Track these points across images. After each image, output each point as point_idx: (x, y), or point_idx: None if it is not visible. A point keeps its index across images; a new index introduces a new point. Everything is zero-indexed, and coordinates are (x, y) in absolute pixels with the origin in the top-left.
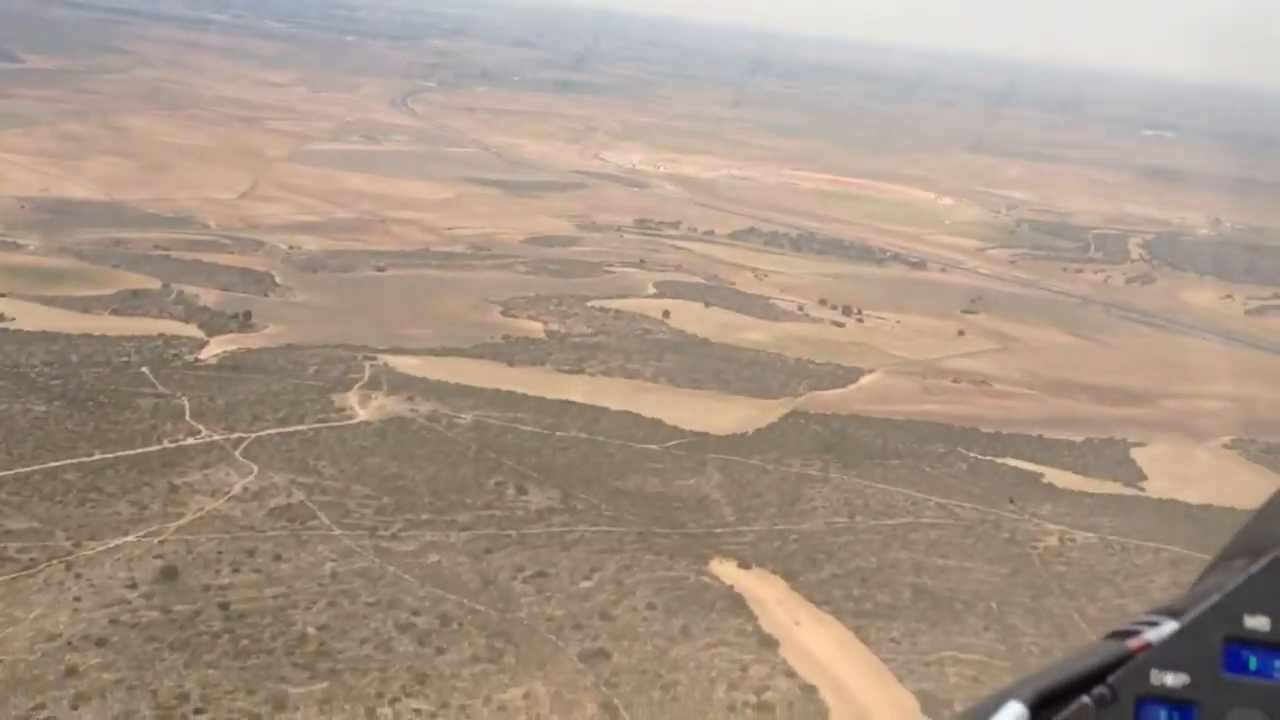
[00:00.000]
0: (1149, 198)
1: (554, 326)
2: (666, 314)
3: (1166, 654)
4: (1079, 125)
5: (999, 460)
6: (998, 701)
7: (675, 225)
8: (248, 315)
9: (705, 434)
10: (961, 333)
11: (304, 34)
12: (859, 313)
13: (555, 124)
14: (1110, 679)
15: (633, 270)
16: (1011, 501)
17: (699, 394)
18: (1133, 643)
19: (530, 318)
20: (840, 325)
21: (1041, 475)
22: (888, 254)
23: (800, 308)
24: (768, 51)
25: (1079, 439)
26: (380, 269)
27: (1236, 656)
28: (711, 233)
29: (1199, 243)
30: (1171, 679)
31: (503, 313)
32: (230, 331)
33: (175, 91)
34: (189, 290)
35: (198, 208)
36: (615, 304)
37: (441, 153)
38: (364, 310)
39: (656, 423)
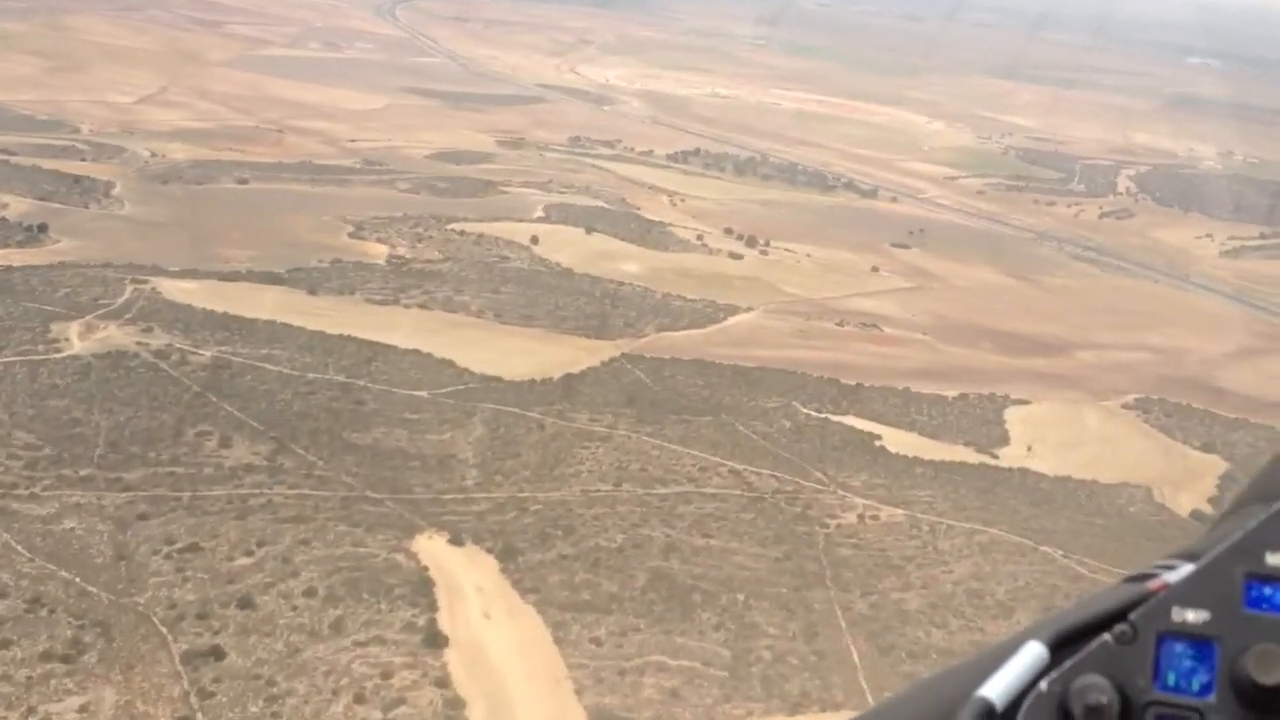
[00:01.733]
0: (1167, 128)
1: (400, 251)
2: (535, 240)
3: (1187, 591)
4: (1119, 50)
5: (835, 418)
6: (1017, 641)
7: (612, 144)
8: (43, 228)
9: (498, 379)
10: (876, 269)
11: None
12: (765, 244)
13: (547, 36)
14: (1131, 616)
15: (531, 191)
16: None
17: (522, 332)
18: (1152, 584)
19: (379, 240)
20: (738, 257)
21: (878, 437)
22: (841, 181)
23: (700, 237)
24: None
25: (953, 394)
26: (243, 181)
27: (1258, 592)
28: (650, 153)
29: (1197, 177)
30: (1192, 615)
31: (351, 234)
32: (10, 246)
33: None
34: (2, 197)
35: (83, 111)
36: (484, 228)
37: (401, 62)
38: (189, 226)
39: (446, 364)
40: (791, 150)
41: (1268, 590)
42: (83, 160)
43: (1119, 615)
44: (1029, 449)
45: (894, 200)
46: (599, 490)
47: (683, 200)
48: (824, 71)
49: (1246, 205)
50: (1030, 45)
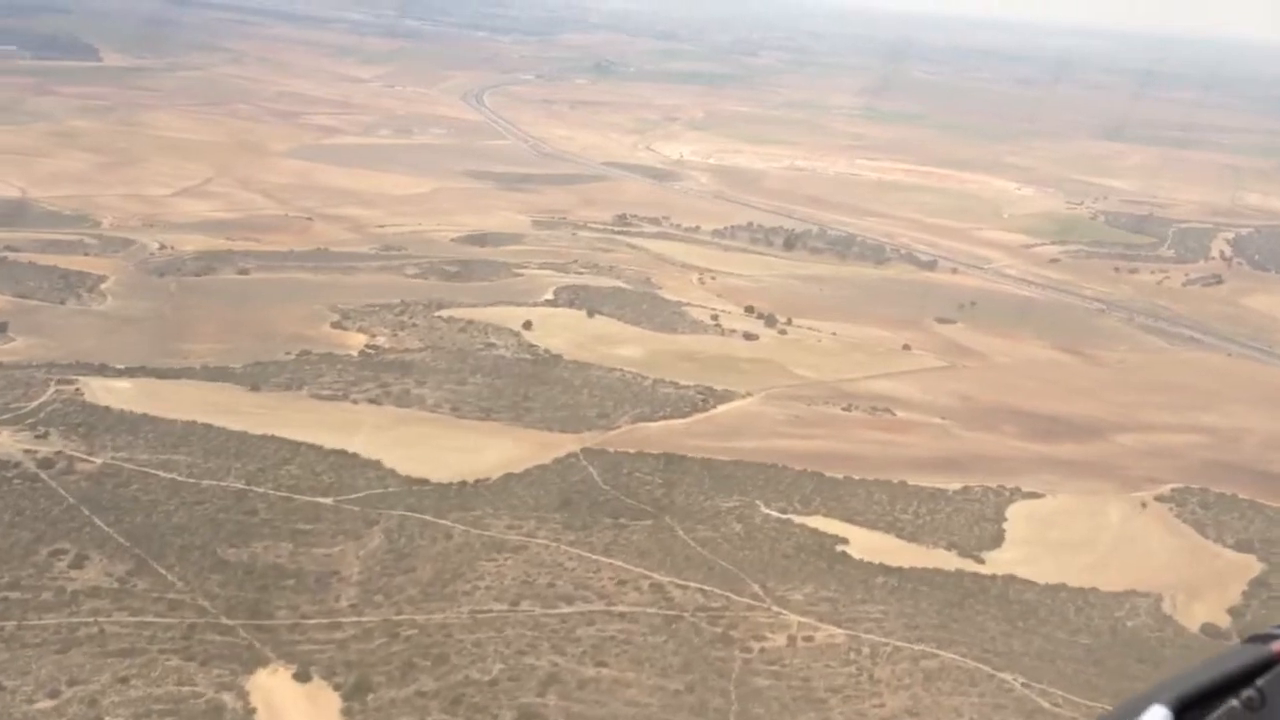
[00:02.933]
0: None
1: (379, 340)
2: (528, 324)
3: None
4: (1239, 108)
5: (800, 519)
6: (1139, 705)
7: (658, 221)
8: (2, 326)
9: (423, 481)
10: (908, 346)
11: (437, 31)
12: (786, 322)
13: (632, 115)
14: (1259, 681)
15: (547, 273)
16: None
17: (476, 427)
18: (1277, 646)
19: (360, 329)
20: (752, 338)
21: (844, 541)
22: (900, 252)
23: (715, 316)
24: (934, 36)
25: (955, 487)
26: (244, 271)
27: None
28: (697, 229)
29: None
30: None
31: (334, 324)
32: None
33: (236, 87)
34: None
35: (113, 205)
36: (477, 313)
37: (470, 145)
38: (165, 320)
39: (370, 466)
40: (859, 221)
41: None
42: (86, 255)
43: (1244, 679)
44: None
45: (954, 271)
46: (490, 611)
47: (713, 278)
48: (918, 139)
49: None
50: (1146, 106)
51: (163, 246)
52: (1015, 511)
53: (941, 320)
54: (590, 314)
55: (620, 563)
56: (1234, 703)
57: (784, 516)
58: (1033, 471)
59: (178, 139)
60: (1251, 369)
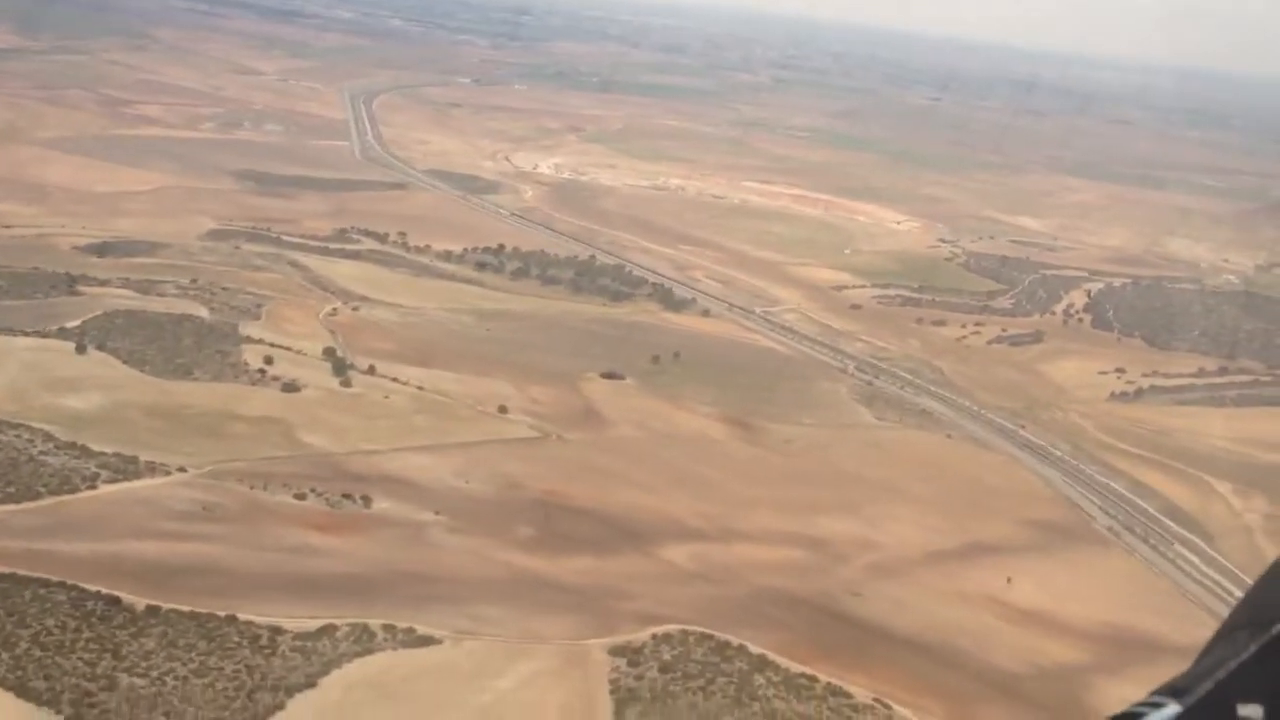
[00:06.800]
0: (1228, 236)
1: None
2: None
3: None
4: (1247, 148)
5: None
6: None
7: (384, 238)
8: None
9: None
10: (504, 409)
11: (414, 31)
12: (369, 369)
13: (533, 124)
14: None
15: (125, 293)
16: None
17: None
18: None
19: None
20: (293, 390)
21: None
22: (659, 289)
23: (270, 360)
24: (977, 65)
25: (314, 624)
26: None
27: None
28: (426, 248)
29: (1180, 294)
30: None
31: None
32: None
33: (97, 74)
34: None
35: None
36: None
37: (287, 145)
38: None
39: None
40: (665, 250)
41: None
42: None
43: None
44: None
45: (705, 314)
46: None
47: (356, 309)
48: (843, 165)
49: (1219, 332)
50: (1148, 143)
51: None
52: (348, 674)
53: (608, 375)
54: (81, 350)
55: None
56: None
57: None
58: (483, 600)
59: None
60: (963, 454)
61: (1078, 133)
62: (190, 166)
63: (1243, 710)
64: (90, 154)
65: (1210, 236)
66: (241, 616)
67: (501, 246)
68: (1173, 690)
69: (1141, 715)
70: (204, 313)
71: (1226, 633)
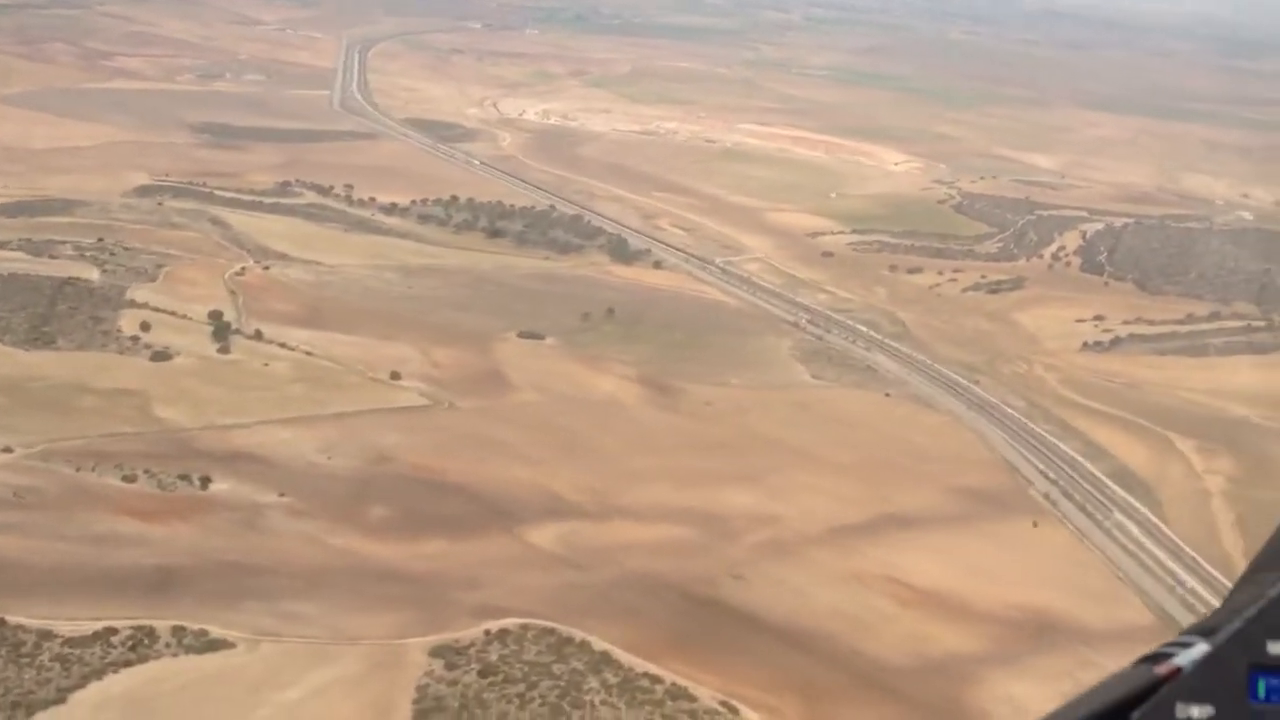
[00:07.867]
0: (1263, 172)
1: None
2: None
3: (1192, 684)
4: None
5: None
6: None
7: (328, 190)
8: None
9: None
10: (397, 375)
11: None
12: (256, 334)
13: (533, 68)
14: (1135, 715)
15: (20, 255)
16: None
17: None
18: (1162, 668)
19: None
20: (164, 359)
21: None
22: (610, 241)
23: (146, 326)
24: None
25: (91, 628)
26: None
27: (1264, 684)
28: (371, 200)
29: (1183, 233)
30: (1197, 711)
31: None
32: None
33: (86, 26)
34: None
35: None
36: None
37: (261, 95)
38: None
39: None
40: (636, 199)
41: (1275, 681)
42: None
43: (1130, 703)
44: None
45: (655, 266)
46: None
47: (267, 268)
48: (853, 104)
49: (1217, 274)
50: (1193, 75)
51: None
52: (107, 687)
53: (527, 335)
54: None
55: None
56: None
57: None
58: (303, 594)
59: None
60: (899, 415)
61: (1115, 66)
62: (148, 120)
63: (1273, 648)
64: (46, 109)
65: (1234, 171)
66: (11, 619)
67: (455, 198)
68: (1202, 629)
69: (1171, 654)
70: (94, 275)
71: (1253, 574)
